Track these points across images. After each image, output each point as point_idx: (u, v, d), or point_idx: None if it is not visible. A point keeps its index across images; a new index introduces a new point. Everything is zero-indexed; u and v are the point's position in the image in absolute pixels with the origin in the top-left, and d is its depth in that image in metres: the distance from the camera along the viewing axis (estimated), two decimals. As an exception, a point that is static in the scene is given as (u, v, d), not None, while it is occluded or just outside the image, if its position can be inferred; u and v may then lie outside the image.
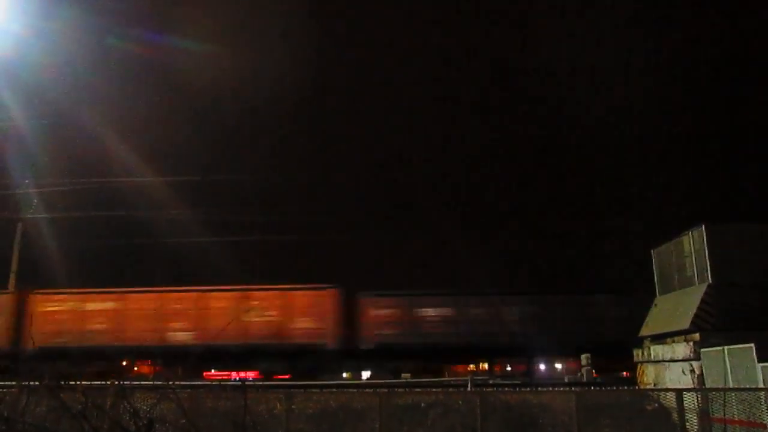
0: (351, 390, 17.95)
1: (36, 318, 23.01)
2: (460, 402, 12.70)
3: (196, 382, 20.53)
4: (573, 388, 16.37)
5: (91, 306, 23.14)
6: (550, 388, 16.80)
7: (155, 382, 19.44)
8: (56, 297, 23.39)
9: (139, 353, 22.66)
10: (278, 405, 13.19)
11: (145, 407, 11.46)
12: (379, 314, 23.48)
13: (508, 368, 25.16)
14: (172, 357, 22.47)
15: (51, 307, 23.17)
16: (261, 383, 20.79)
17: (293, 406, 12.89)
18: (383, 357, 23.09)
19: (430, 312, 23.59)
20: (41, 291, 23.55)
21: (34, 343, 22.46)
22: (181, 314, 22.78)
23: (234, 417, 11.52)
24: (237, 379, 22.68)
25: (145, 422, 10.03)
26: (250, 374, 23.18)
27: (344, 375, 23.54)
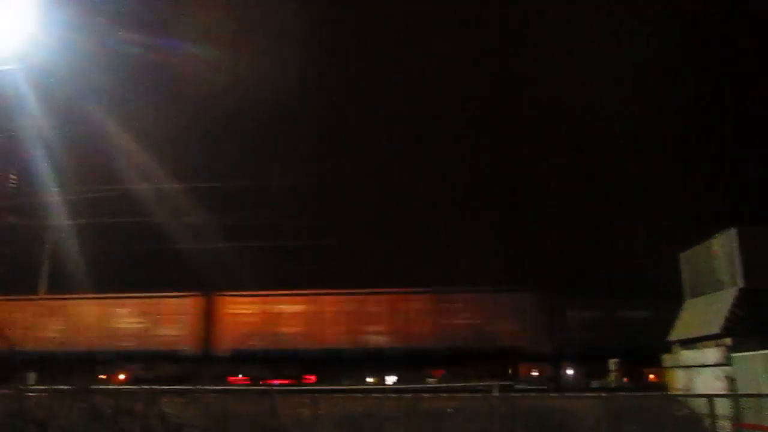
0: (376, 395, 17.95)
1: (225, 321, 22.96)
2: (486, 408, 12.61)
3: (224, 387, 20.66)
4: (601, 393, 16.18)
5: (284, 308, 23.07)
6: (578, 394, 16.61)
7: (184, 387, 19.63)
8: (244, 299, 23.22)
9: (333, 356, 22.52)
10: (304, 410, 13.25)
11: (174, 411, 11.65)
12: (575, 317, 23.15)
13: (534, 372, 24.87)
14: (367, 360, 22.38)
15: (240, 310, 23.13)
16: (287, 388, 20.80)
17: (319, 412, 12.93)
18: (582, 358, 22.94)
19: (630, 314, 23.21)
20: (228, 293, 23.36)
21: (224, 346, 22.57)
22: (378, 316, 22.66)
23: (261, 422, 11.64)
24: (264, 384, 22.71)
25: (174, 426, 10.18)
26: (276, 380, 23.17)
27: (369, 380, 23.52)
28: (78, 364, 22.43)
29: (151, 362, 22.27)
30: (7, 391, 17.26)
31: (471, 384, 20.04)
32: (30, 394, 17.62)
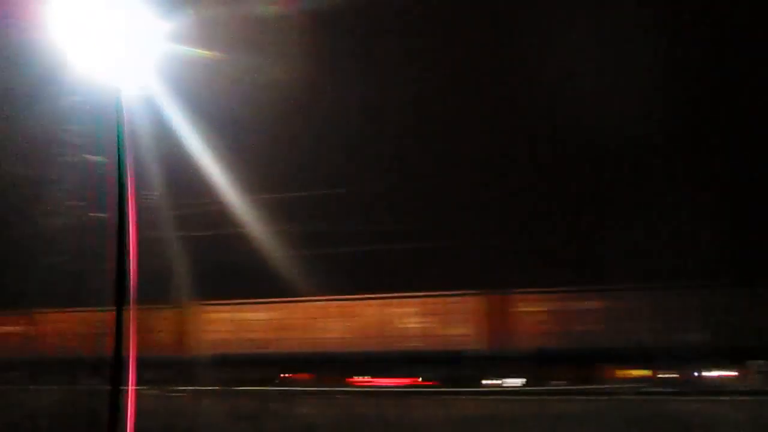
0: (505, 397, 17.73)
1: (516, 319, 21.79)
2: (618, 411, 12.15)
3: (355, 388, 20.98)
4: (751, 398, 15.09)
5: (579, 305, 21.63)
6: (721, 397, 15.53)
7: (319, 388, 20.12)
8: (537, 296, 22.01)
9: (632, 353, 20.71)
10: (433, 411, 13.40)
11: (309, 411, 12.18)
12: None
13: (662, 375, 22.87)
14: (676, 357, 20.32)
15: (532, 308, 21.78)
16: (416, 389, 20.80)
17: (447, 412, 13.03)
18: None
19: None
20: (518, 290, 22.17)
21: (518, 346, 21.33)
22: (688, 312, 20.76)
23: (391, 422, 11.89)
24: (390, 385, 22.60)
25: (310, 426, 10.65)
26: (403, 381, 22.90)
27: (494, 381, 22.73)
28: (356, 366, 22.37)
29: (436, 363, 21.65)
30: (154, 391, 18.70)
31: (601, 386, 19.13)
32: (175, 394, 18.98)
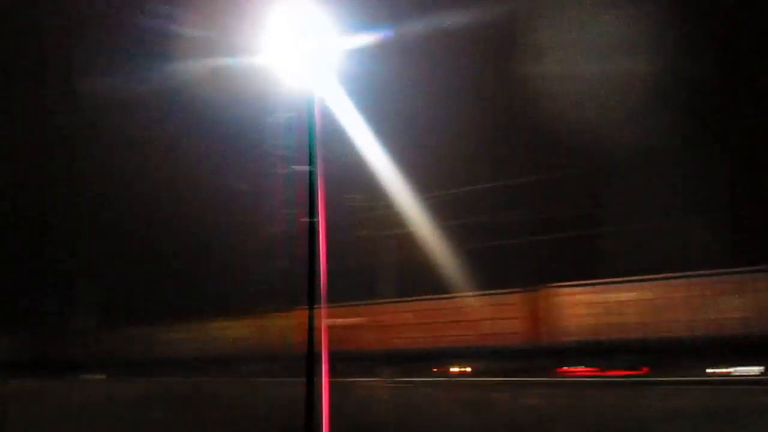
0: (718, 387, 16.00)
1: None
2: None
3: (589, 378, 19.82)
4: None
5: None
6: None
7: (549, 379, 19.37)
8: None
9: None
10: (646, 402, 12.89)
11: (537, 402, 12.18)
12: None
13: None
14: None
15: None
16: (625, 380, 19.30)
17: (651, 403, 12.56)
18: None
19: None
20: None
21: None
22: None
23: (616, 415, 11.49)
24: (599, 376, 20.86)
25: (540, 418, 10.63)
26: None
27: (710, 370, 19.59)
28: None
29: None
30: (375, 381, 19.75)
31: None
32: (390, 384, 19.88)
